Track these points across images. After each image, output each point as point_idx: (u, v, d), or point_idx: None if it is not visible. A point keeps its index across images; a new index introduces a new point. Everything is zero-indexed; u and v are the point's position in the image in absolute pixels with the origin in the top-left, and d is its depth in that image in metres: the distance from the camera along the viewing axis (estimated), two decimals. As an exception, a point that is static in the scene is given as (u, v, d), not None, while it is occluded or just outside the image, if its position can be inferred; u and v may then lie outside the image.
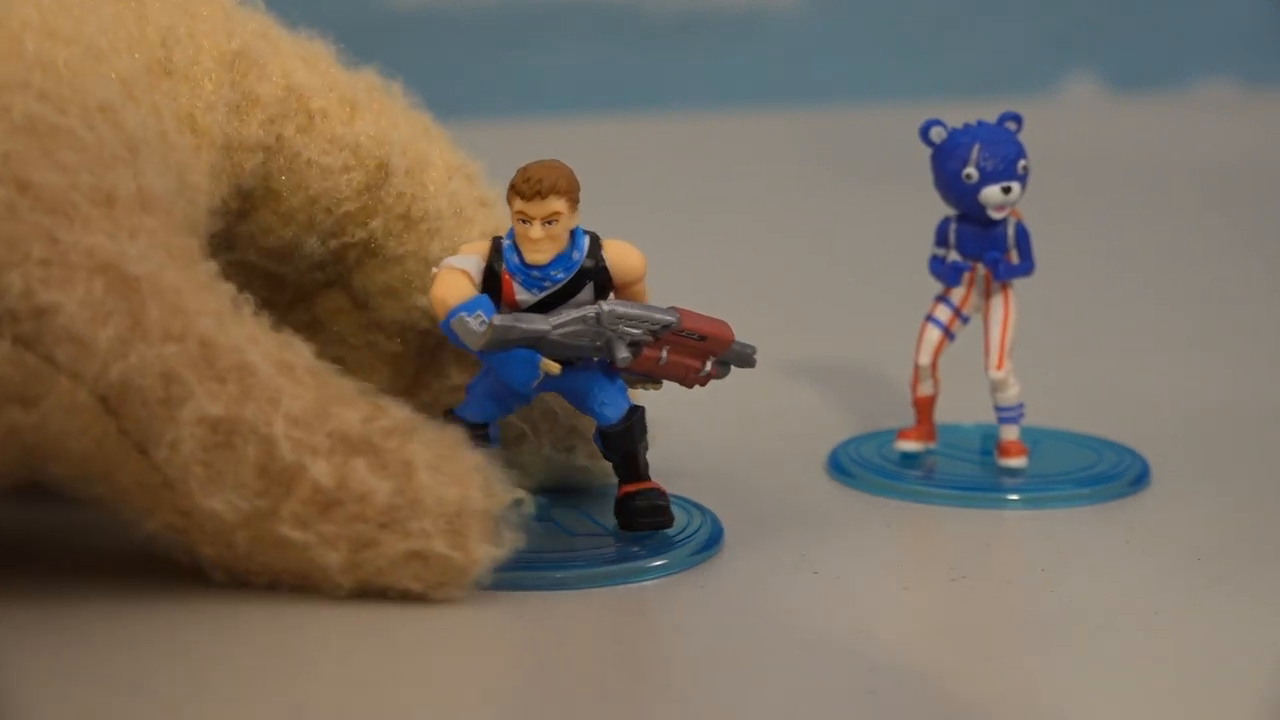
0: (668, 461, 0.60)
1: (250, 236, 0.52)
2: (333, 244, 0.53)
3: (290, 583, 0.48)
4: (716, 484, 0.58)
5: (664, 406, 0.60)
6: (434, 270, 0.51)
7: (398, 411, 0.48)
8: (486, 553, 0.48)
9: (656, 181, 1.31)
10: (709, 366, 0.52)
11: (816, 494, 0.59)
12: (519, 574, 0.49)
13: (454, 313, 0.49)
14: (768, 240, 1.10)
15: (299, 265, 0.54)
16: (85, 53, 0.47)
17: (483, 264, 0.50)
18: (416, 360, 0.56)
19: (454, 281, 0.50)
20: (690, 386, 0.53)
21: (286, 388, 0.46)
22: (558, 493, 0.56)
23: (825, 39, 1.60)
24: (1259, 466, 0.62)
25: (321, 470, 0.46)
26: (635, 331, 0.50)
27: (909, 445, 0.61)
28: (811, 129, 1.52)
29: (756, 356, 0.54)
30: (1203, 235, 1.09)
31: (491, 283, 0.50)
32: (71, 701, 0.43)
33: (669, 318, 0.50)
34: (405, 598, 0.48)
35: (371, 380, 0.55)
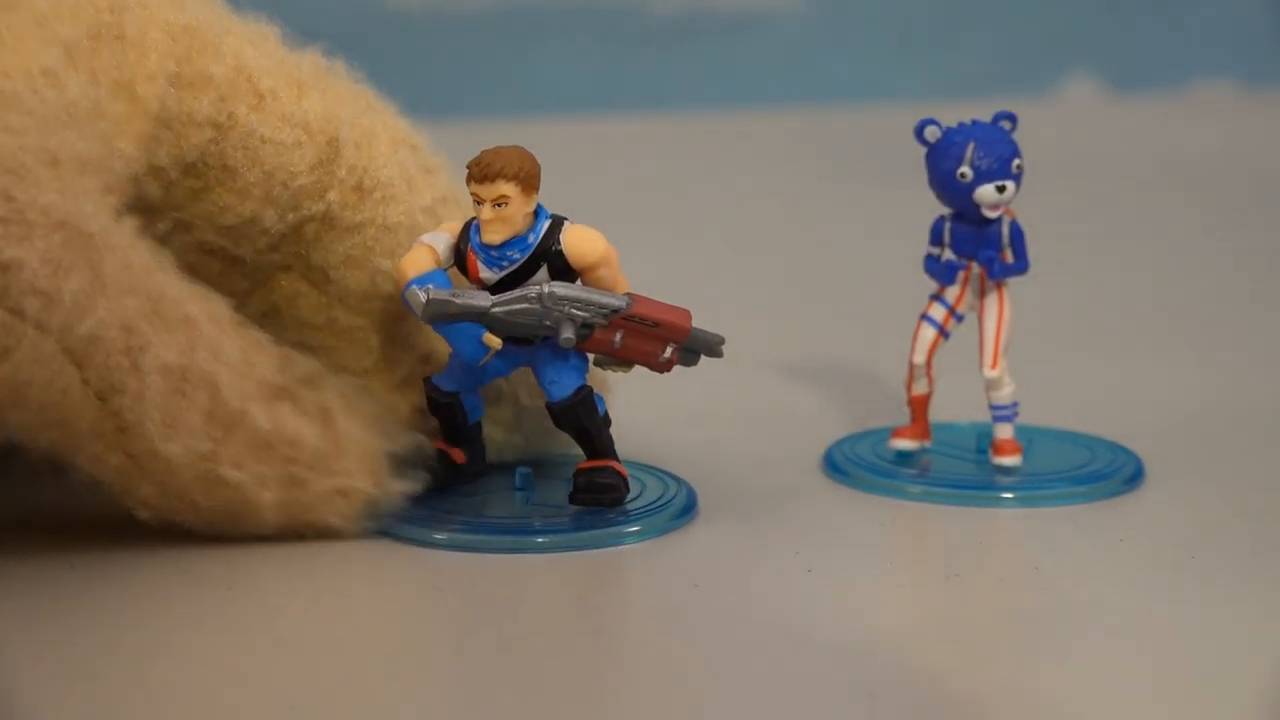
0: (664, 460, 0.60)
1: (208, 216, 0.53)
2: (290, 218, 0.54)
3: (217, 521, 0.51)
4: (712, 482, 0.58)
5: (661, 404, 0.60)
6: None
7: (305, 362, 0.52)
8: (399, 488, 0.52)
9: (656, 181, 1.31)
10: (669, 352, 0.54)
11: (811, 492, 0.59)
12: (501, 538, 0.52)
13: (409, 285, 0.52)
14: (766, 240, 1.10)
15: (257, 244, 0.54)
16: (28, 18, 0.48)
17: (453, 242, 0.53)
18: (380, 333, 0.57)
19: (417, 255, 0.53)
20: (659, 372, 0.55)
21: (221, 337, 0.49)
22: (543, 465, 0.58)
23: (825, 39, 1.60)
24: (1253, 465, 0.62)
25: (259, 415, 0.50)
26: (583, 314, 0.52)
27: (904, 444, 0.61)
28: (811, 129, 1.52)
29: (723, 347, 0.55)
30: (1201, 235, 1.09)
31: (460, 260, 0.53)
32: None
33: (616, 302, 0.52)
34: (324, 534, 0.52)
35: (336, 361, 0.56)
